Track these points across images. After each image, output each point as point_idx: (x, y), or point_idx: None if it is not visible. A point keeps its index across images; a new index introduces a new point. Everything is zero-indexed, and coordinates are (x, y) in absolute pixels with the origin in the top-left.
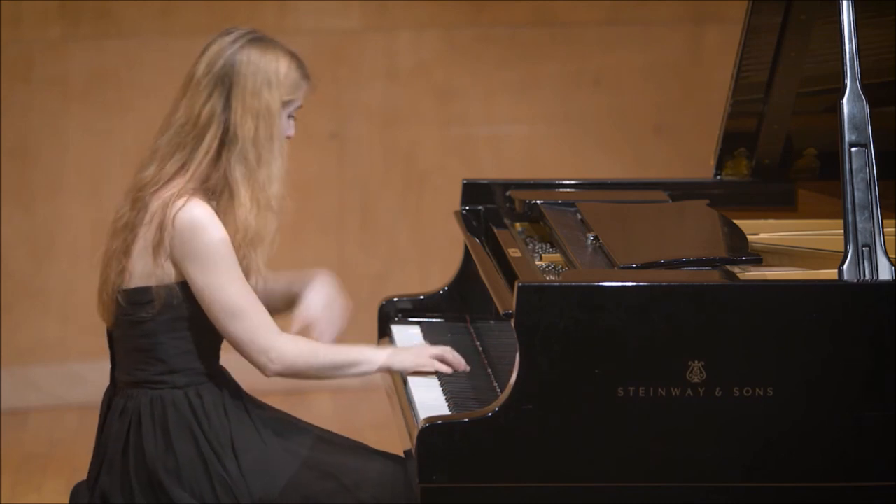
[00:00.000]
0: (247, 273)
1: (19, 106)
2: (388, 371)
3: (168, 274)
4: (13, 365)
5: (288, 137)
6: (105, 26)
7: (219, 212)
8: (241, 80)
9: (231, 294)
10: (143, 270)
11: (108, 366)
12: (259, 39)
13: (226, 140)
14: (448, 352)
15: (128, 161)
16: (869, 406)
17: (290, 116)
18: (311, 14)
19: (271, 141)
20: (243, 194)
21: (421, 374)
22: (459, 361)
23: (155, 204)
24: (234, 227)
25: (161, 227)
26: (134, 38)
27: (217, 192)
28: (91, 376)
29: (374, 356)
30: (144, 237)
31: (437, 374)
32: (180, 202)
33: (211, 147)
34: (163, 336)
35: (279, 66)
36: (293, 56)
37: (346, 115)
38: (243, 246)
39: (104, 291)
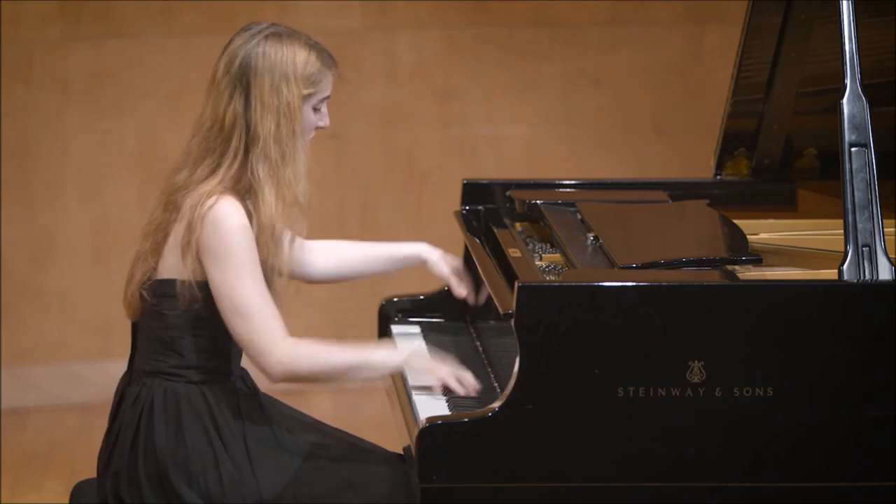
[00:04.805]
0: (272, 271)
1: (19, 106)
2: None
3: (194, 272)
4: (13, 365)
5: (320, 128)
6: (105, 26)
7: (251, 212)
8: (259, 79)
9: (240, 292)
10: (172, 266)
11: (107, 366)
12: (276, 34)
13: (249, 141)
14: (465, 378)
15: (128, 161)
16: (869, 406)
17: (316, 109)
18: (311, 14)
19: (294, 138)
20: (267, 192)
21: (426, 388)
22: (472, 386)
23: (187, 204)
24: (259, 226)
25: (190, 226)
26: (134, 38)
27: (248, 194)
28: (91, 376)
29: (385, 359)
30: (175, 235)
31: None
32: (210, 201)
33: (238, 150)
34: (184, 331)
35: (296, 60)
36: (312, 46)
37: (346, 115)
38: (270, 244)
39: (128, 289)
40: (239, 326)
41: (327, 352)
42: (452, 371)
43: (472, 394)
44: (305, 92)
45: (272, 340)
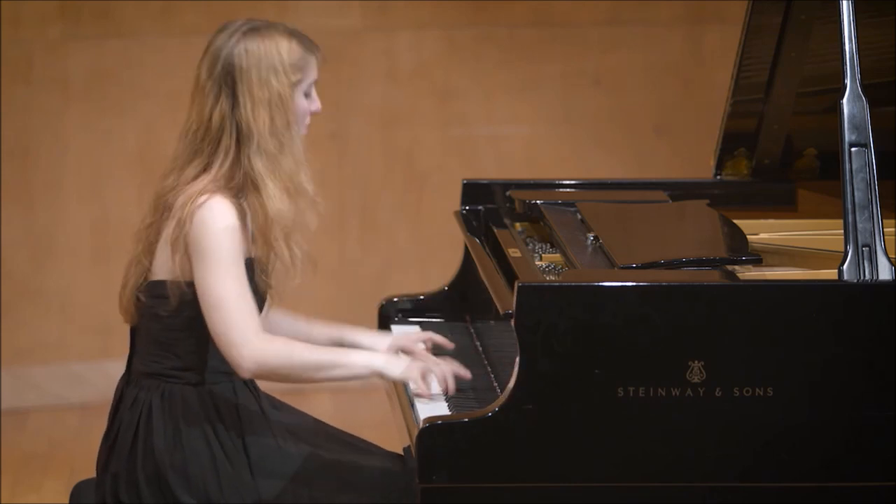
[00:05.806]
0: (286, 264)
1: (19, 106)
2: (377, 375)
3: (183, 271)
4: (13, 365)
5: (315, 112)
6: (105, 26)
7: (248, 209)
8: (245, 75)
9: (216, 285)
10: (163, 265)
11: (107, 366)
12: (254, 28)
13: (241, 138)
14: (440, 373)
15: (128, 161)
16: (869, 406)
17: (306, 94)
18: (311, 14)
19: (289, 128)
20: (270, 186)
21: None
22: (448, 383)
23: (178, 201)
24: (265, 221)
25: (180, 222)
26: (134, 38)
27: (243, 191)
28: (91, 376)
29: (357, 359)
30: (166, 232)
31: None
32: (202, 199)
33: (230, 149)
34: (181, 332)
35: (280, 50)
36: (292, 34)
37: (346, 115)
38: (280, 238)
39: (123, 295)
40: (214, 320)
41: (300, 348)
42: (428, 370)
43: (451, 388)
44: (294, 79)
45: (244, 335)
